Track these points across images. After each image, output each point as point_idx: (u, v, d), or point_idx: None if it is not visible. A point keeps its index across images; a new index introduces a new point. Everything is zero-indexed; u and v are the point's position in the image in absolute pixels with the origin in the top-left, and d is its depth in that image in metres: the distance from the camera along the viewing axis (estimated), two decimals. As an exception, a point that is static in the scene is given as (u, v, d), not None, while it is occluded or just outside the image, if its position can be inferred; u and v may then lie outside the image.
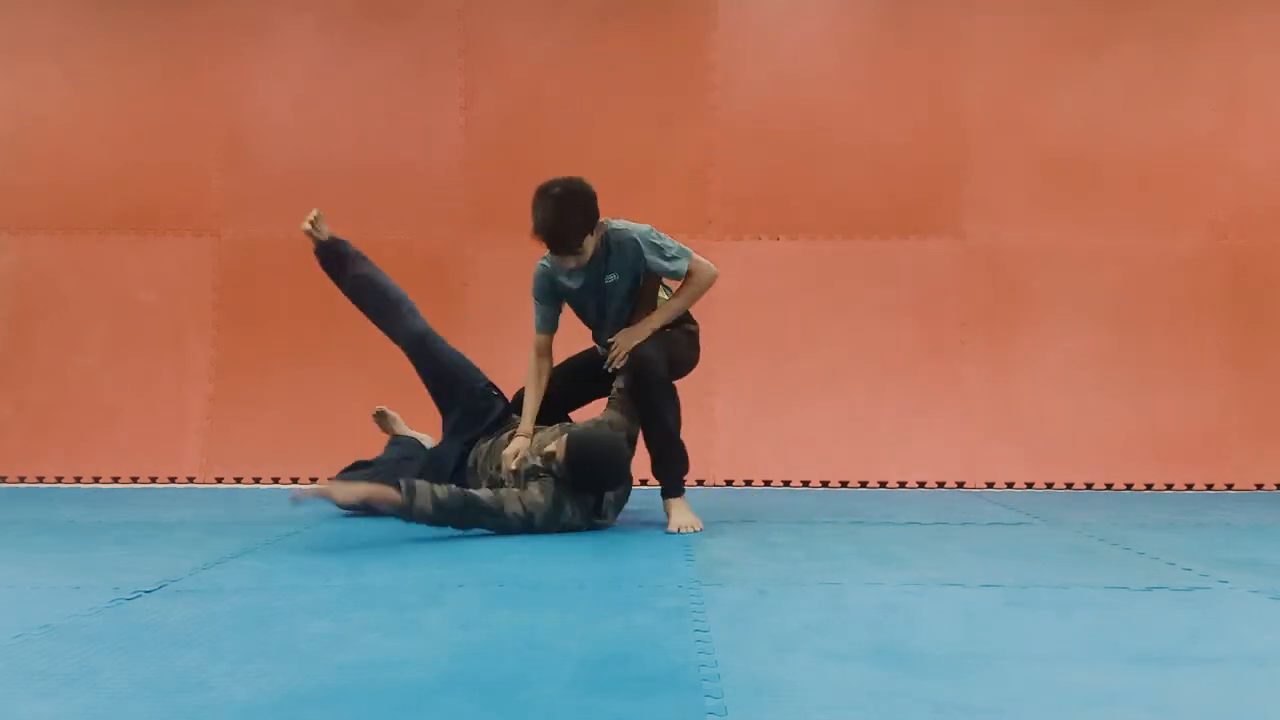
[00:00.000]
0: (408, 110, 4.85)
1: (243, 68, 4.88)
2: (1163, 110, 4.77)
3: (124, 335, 4.78)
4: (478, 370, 3.50)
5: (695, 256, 3.37)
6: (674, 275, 3.35)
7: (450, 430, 3.44)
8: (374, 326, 4.72)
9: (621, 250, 3.31)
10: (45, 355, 4.76)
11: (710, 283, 3.38)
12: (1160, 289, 4.73)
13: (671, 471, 3.34)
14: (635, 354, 3.27)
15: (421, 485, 2.93)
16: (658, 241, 3.34)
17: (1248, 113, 4.77)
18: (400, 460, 3.55)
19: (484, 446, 3.35)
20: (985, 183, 4.77)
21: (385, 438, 3.92)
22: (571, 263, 3.28)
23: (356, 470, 3.61)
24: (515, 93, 4.84)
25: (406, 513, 2.91)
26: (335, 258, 3.59)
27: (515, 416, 3.42)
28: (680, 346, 3.42)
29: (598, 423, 3.26)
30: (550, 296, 3.43)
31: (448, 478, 3.25)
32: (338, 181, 4.81)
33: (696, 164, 4.79)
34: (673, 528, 3.22)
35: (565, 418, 3.52)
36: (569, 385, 3.51)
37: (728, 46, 4.81)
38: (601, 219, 3.29)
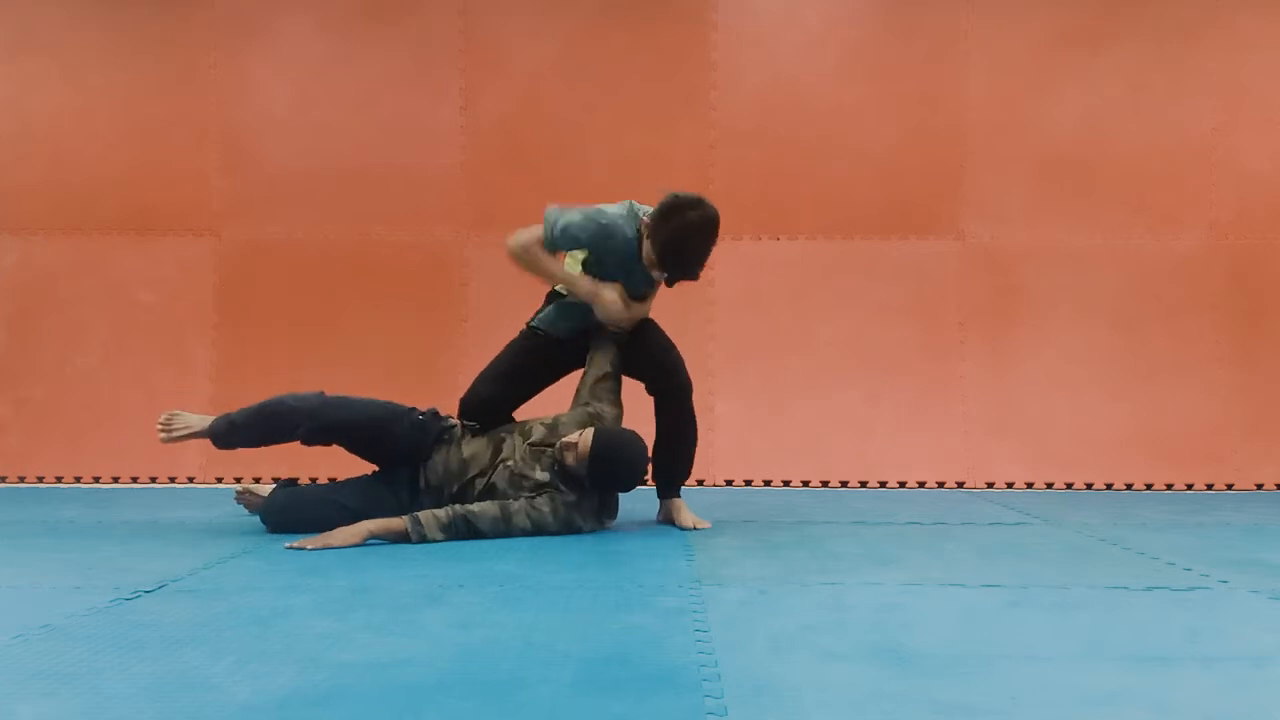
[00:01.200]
0: (408, 110, 4.85)
1: (243, 68, 4.88)
2: (1162, 110, 4.77)
3: (124, 335, 4.78)
4: (391, 406, 3.26)
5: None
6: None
7: (393, 465, 3.22)
8: (375, 328, 4.75)
9: None
10: (45, 355, 4.77)
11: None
12: (1160, 289, 4.73)
13: (683, 473, 3.40)
14: (666, 360, 3.32)
15: (425, 516, 2.94)
16: None
17: (1247, 112, 4.77)
18: (334, 493, 3.27)
19: (437, 460, 3.17)
20: (984, 183, 4.77)
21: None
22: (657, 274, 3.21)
23: (287, 487, 3.38)
24: (515, 93, 4.84)
25: (413, 541, 2.92)
26: (229, 435, 3.26)
27: (453, 422, 3.28)
28: None
29: (595, 414, 3.24)
30: (581, 246, 3.25)
31: (404, 506, 3.12)
32: (338, 181, 4.82)
33: (696, 164, 4.79)
34: (689, 525, 3.26)
35: (511, 417, 3.40)
36: (520, 383, 3.42)
37: (728, 46, 4.81)
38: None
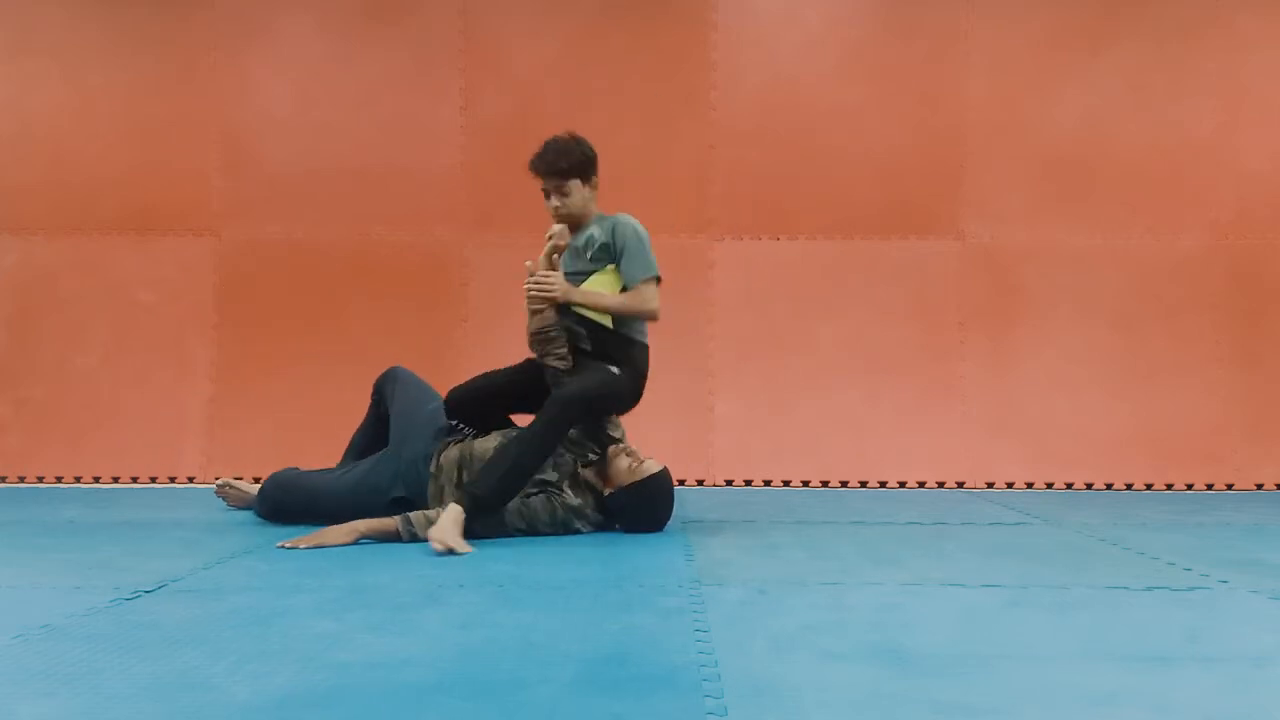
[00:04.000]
0: (408, 110, 4.85)
1: (243, 68, 4.88)
2: (1163, 110, 4.77)
3: (124, 335, 4.78)
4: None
5: (653, 286, 3.24)
6: (625, 276, 3.24)
7: (430, 436, 3.29)
8: (375, 328, 4.76)
9: (609, 224, 3.29)
10: (45, 355, 4.77)
11: (646, 315, 3.25)
12: (1160, 289, 4.73)
13: (484, 484, 2.97)
14: (555, 375, 3.13)
15: (417, 516, 2.94)
16: (637, 241, 3.24)
17: (1248, 112, 4.77)
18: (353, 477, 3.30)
19: (452, 450, 3.20)
20: (985, 183, 4.77)
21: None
22: (553, 199, 3.26)
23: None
24: (515, 93, 4.84)
25: (404, 540, 2.93)
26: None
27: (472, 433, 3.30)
28: (623, 384, 3.22)
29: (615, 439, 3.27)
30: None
31: (421, 482, 3.17)
32: (338, 181, 4.82)
33: (696, 164, 4.80)
34: (434, 537, 2.80)
35: (508, 421, 3.37)
36: (514, 383, 3.33)
37: (727, 46, 4.81)
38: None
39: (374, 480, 3.19)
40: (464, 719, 1.46)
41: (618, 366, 3.21)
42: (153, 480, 4.64)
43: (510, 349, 4.71)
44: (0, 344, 4.78)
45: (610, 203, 4.89)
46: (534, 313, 3.18)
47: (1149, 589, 2.37)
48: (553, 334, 3.15)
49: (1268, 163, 4.76)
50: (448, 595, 2.26)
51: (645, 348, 3.31)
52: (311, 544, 2.85)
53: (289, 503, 3.24)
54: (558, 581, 2.41)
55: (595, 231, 3.29)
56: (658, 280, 3.27)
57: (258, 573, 2.54)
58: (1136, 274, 4.74)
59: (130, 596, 2.21)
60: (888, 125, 4.80)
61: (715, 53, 4.82)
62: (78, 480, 4.64)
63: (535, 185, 4.36)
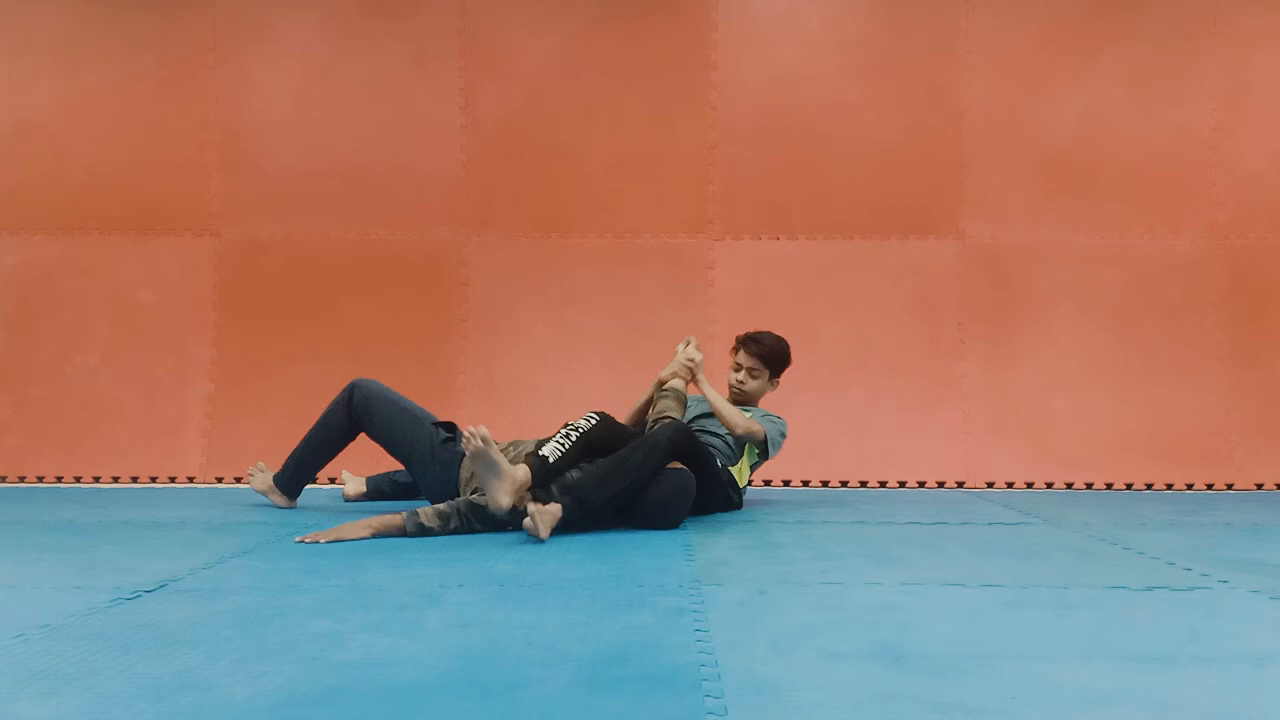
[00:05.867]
0: (408, 110, 4.85)
1: (243, 68, 4.88)
2: (1162, 110, 4.77)
3: (124, 335, 4.78)
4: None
5: (759, 429, 3.67)
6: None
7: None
8: (374, 328, 4.76)
9: (763, 413, 3.82)
10: (45, 355, 4.77)
11: (743, 425, 3.64)
12: (1160, 289, 4.73)
13: (583, 484, 3.10)
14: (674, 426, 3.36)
15: (426, 511, 3.04)
16: (773, 425, 3.76)
17: (1248, 112, 4.77)
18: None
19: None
20: (985, 182, 4.77)
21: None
22: (740, 375, 3.86)
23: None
24: (515, 93, 4.84)
25: (411, 534, 3.02)
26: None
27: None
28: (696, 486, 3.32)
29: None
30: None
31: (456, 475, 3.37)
32: (338, 181, 4.82)
33: (696, 164, 4.79)
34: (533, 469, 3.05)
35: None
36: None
37: (728, 46, 4.82)
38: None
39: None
40: (464, 719, 1.46)
41: (706, 479, 3.43)
42: (153, 480, 4.63)
43: (510, 348, 4.73)
44: (0, 344, 4.78)
45: (611, 205, 4.92)
46: (673, 374, 3.72)
47: (1149, 589, 2.37)
48: (672, 404, 3.62)
49: (1268, 163, 4.76)
50: (448, 595, 2.26)
51: (729, 499, 3.64)
52: (331, 538, 2.91)
53: (380, 392, 3.56)
54: (558, 581, 2.41)
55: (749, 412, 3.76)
56: (766, 436, 3.70)
57: (258, 573, 2.54)
58: (1136, 274, 4.74)
59: (130, 596, 2.21)
60: (888, 125, 4.80)
61: (715, 53, 4.82)
62: (78, 480, 4.64)
63: (535, 185, 4.40)
